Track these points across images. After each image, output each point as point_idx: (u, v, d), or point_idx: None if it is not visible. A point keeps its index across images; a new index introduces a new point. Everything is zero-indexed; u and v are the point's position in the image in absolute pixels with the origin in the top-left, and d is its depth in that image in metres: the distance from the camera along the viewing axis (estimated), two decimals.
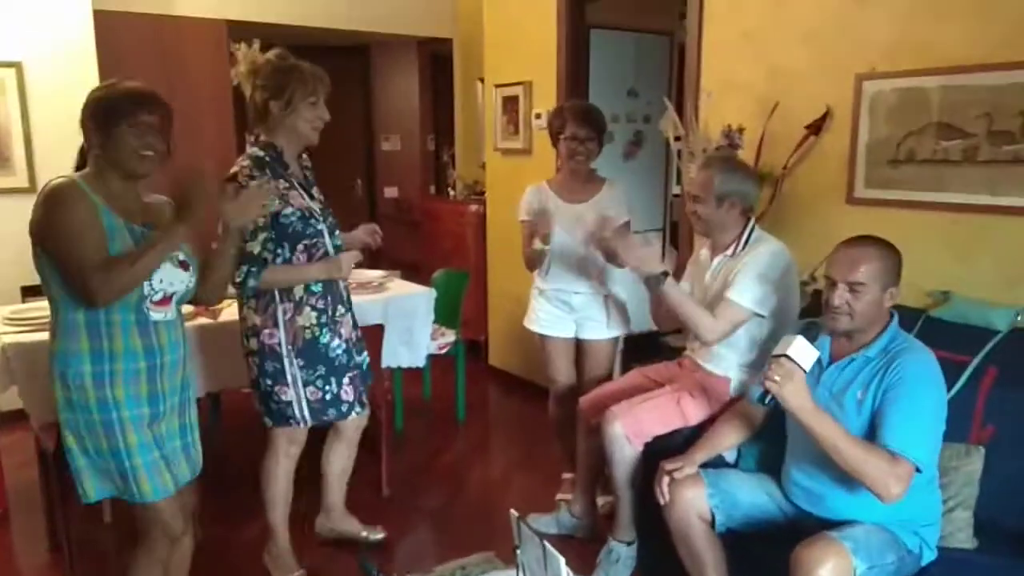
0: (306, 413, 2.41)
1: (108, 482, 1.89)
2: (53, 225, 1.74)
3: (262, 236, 2.28)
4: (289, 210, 2.30)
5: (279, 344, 2.35)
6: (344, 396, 2.44)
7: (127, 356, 1.83)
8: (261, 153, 2.33)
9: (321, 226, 2.39)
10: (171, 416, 1.96)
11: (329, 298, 2.41)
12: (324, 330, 2.39)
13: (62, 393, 1.84)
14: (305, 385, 2.38)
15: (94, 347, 1.81)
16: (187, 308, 2.97)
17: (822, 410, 1.82)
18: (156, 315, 1.87)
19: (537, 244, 2.78)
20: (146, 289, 1.83)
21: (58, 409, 1.86)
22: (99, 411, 1.82)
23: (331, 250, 2.41)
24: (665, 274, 2.33)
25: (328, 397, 2.41)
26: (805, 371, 1.80)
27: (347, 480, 2.80)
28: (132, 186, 1.89)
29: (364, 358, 2.59)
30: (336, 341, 2.42)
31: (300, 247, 2.32)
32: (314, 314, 2.37)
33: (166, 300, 1.89)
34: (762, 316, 2.34)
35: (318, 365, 2.38)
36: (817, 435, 1.78)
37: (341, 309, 2.45)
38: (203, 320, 2.94)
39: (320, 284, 2.38)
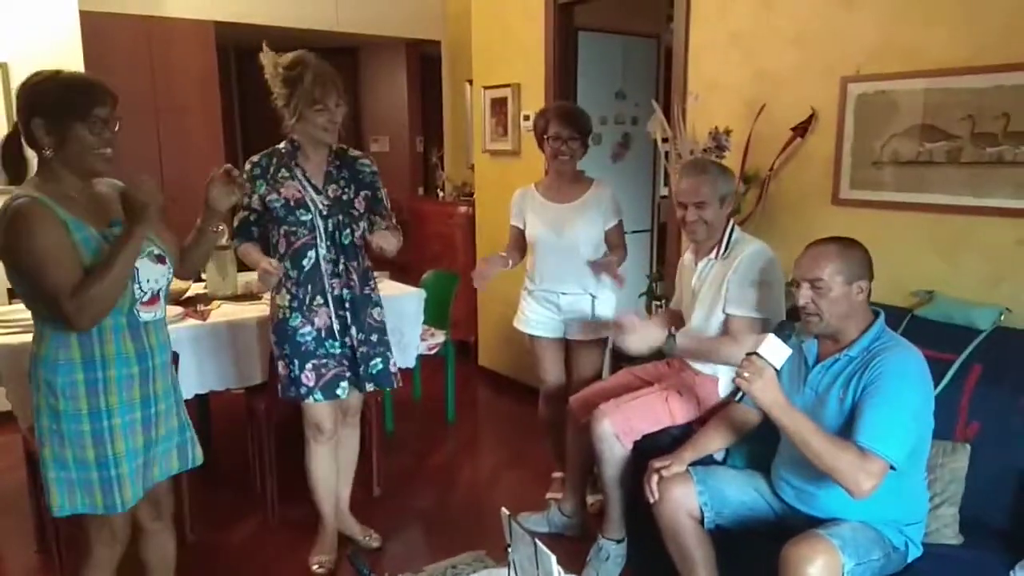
0: (279, 385, 2.56)
1: (81, 496, 1.80)
2: (20, 253, 1.65)
3: (243, 214, 2.51)
4: (275, 196, 2.45)
5: (270, 319, 2.58)
6: (304, 380, 2.51)
7: (119, 361, 1.79)
8: (281, 146, 2.53)
9: (308, 216, 2.45)
10: (167, 417, 1.94)
11: (308, 287, 2.49)
12: (294, 314, 2.49)
13: (47, 401, 1.76)
14: (278, 360, 2.55)
15: (85, 355, 1.75)
16: (177, 310, 2.98)
17: (793, 407, 1.84)
18: (146, 315, 1.85)
19: (496, 262, 2.96)
20: (136, 292, 1.80)
21: (37, 417, 1.78)
22: (91, 420, 1.76)
23: (321, 245, 2.47)
24: (671, 336, 2.39)
25: (292, 375, 2.51)
26: (776, 368, 1.83)
27: (349, 479, 2.85)
28: (87, 184, 1.80)
29: (376, 364, 2.61)
30: (307, 328, 2.50)
31: (282, 231, 2.48)
32: (288, 296, 2.50)
33: (154, 299, 1.87)
34: (761, 318, 2.35)
35: (284, 344, 2.51)
36: (789, 431, 1.82)
37: (320, 300, 2.50)
38: (192, 321, 2.94)
39: (296, 270, 2.48)
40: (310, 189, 2.47)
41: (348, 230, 2.52)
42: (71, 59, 3.95)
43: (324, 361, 2.52)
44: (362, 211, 2.55)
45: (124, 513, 1.86)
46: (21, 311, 2.84)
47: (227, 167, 2.03)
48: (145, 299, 1.84)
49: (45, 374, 1.76)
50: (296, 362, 2.50)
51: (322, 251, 2.47)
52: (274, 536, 2.94)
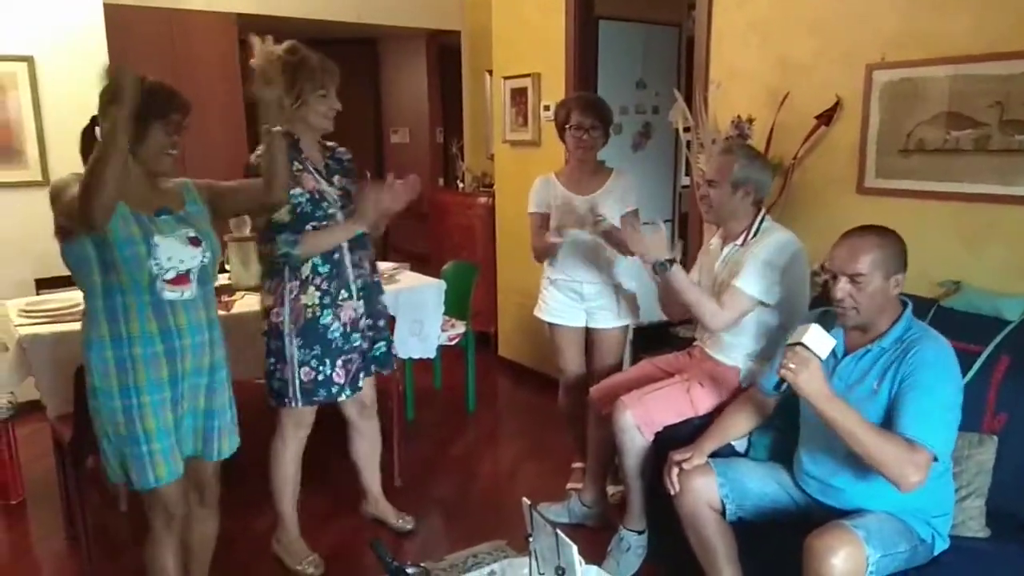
0: (298, 393, 2.47)
1: (118, 468, 1.93)
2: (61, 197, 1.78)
3: (287, 206, 2.35)
4: (298, 191, 2.38)
5: (283, 323, 2.44)
6: (336, 378, 2.49)
7: (144, 340, 1.85)
8: None
9: (333, 210, 2.45)
10: (195, 396, 1.98)
11: (336, 281, 2.47)
12: (325, 311, 2.45)
13: (90, 380, 1.88)
14: (300, 365, 2.45)
15: (113, 332, 1.84)
16: None
17: (838, 397, 1.81)
18: (171, 294, 1.88)
19: (554, 236, 2.82)
20: (154, 268, 1.84)
21: (88, 397, 1.91)
22: (121, 397, 1.85)
23: None
24: (671, 261, 2.34)
25: (320, 378, 2.47)
26: (821, 359, 1.80)
27: (376, 467, 2.89)
28: (148, 178, 1.92)
29: (380, 347, 2.63)
30: (336, 324, 2.47)
31: (309, 227, 2.40)
32: (318, 294, 2.44)
33: (181, 279, 1.89)
34: (767, 305, 2.34)
35: (315, 345, 2.45)
36: (835, 423, 1.77)
37: (344, 294, 2.49)
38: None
39: (327, 265, 2.44)
40: (323, 181, 2.46)
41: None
42: (95, 52, 3.99)
43: (351, 356, 2.52)
44: None
45: (175, 489, 1.96)
46: (50, 301, 2.90)
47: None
48: (168, 276, 1.87)
49: (85, 353, 1.88)
50: (328, 361, 2.46)
51: (344, 243, 2.48)
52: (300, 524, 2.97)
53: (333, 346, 2.47)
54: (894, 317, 1.92)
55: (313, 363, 2.46)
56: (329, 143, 2.59)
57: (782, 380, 1.82)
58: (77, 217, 1.71)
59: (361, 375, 2.58)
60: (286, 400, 2.49)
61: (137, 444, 1.87)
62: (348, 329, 2.51)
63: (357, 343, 2.54)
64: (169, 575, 2.07)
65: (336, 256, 2.47)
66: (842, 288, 1.87)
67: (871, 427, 1.77)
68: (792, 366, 1.79)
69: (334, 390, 2.50)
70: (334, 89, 2.40)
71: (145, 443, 1.87)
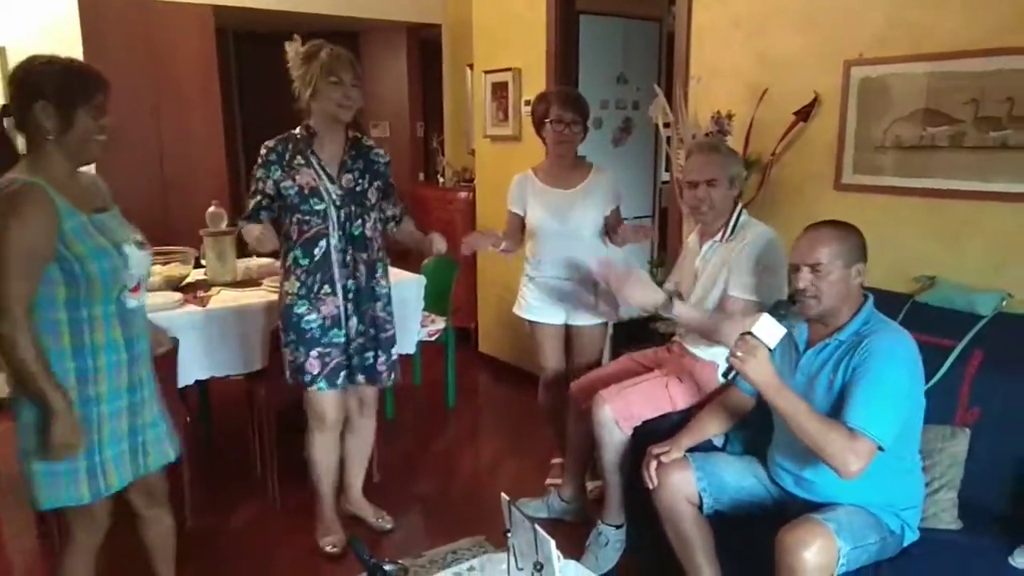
0: (287, 370, 2.57)
1: (67, 487, 1.77)
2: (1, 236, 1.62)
3: (256, 199, 2.47)
4: (289, 183, 2.44)
5: (279, 304, 2.59)
6: (309, 367, 2.52)
7: (109, 349, 1.78)
8: (296, 132, 2.50)
9: (322, 206, 2.45)
10: (151, 403, 1.93)
11: (318, 275, 2.49)
12: (301, 301, 2.49)
13: None
14: (284, 347, 2.56)
15: (75, 344, 1.74)
16: (176, 296, 2.98)
17: (785, 387, 1.84)
18: (132, 302, 1.84)
19: (507, 246, 2.93)
20: (128, 280, 1.79)
21: (17, 411, 1.76)
22: (81, 407, 1.75)
23: (333, 234, 2.47)
24: (670, 298, 2.36)
25: (296, 363, 2.53)
26: (769, 348, 1.83)
27: (363, 465, 2.90)
28: (74, 171, 1.79)
29: (368, 356, 2.60)
30: (312, 315, 2.50)
31: (294, 219, 2.47)
32: (296, 284, 2.50)
33: (137, 286, 1.85)
34: (760, 303, 2.34)
35: (290, 331, 2.52)
36: (781, 411, 1.82)
37: (327, 289, 2.50)
38: (192, 308, 2.93)
39: (307, 258, 2.47)
40: (324, 178, 2.46)
41: (359, 221, 2.52)
42: (70, 43, 3.93)
43: (328, 350, 2.53)
44: (374, 202, 2.57)
45: (106, 504, 1.87)
46: None
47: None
48: (131, 285, 1.82)
49: None
50: (301, 349, 2.51)
51: (333, 241, 2.47)
52: (275, 521, 2.95)
53: (307, 336, 2.51)
54: (855, 310, 1.94)
55: (292, 346, 2.53)
56: (368, 142, 2.60)
57: (731, 367, 1.85)
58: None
59: (343, 374, 2.57)
60: (283, 375, 2.60)
61: (91, 455, 1.77)
62: (328, 324, 2.51)
63: (339, 340, 2.54)
64: None
65: (317, 252, 2.47)
66: (804, 278, 1.90)
67: (816, 416, 1.80)
68: (740, 354, 1.82)
69: (306, 378, 2.54)
70: (349, 78, 2.41)
71: (98, 452, 1.79)
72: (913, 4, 2.52)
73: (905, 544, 1.91)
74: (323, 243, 2.47)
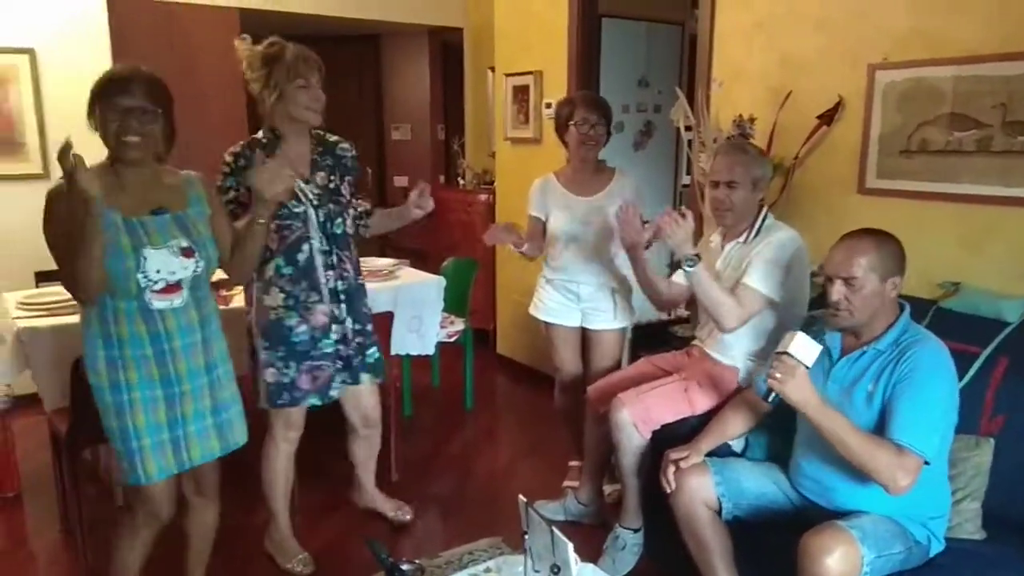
0: (264, 394, 2.45)
1: (116, 464, 1.96)
2: (45, 232, 1.81)
3: (228, 208, 2.28)
4: None
5: (253, 323, 2.45)
6: (300, 383, 2.43)
7: (133, 342, 1.85)
8: (259, 136, 2.42)
9: (301, 208, 2.36)
10: (198, 396, 1.96)
11: (303, 283, 2.40)
12: (290, 312, 2.40)
13: (88, 378, 1.89)
14: (266, 366, 2.43)
15: (104, 332, 1.85)
16: None
17: (828, 404, 1.81)
18: (160, 303, 1.86)
19: (526, 248, 2.87)
20: (142, 281, 1.82)
21: (97, 395, 1.90)
22: (112, 393, 1.86)
23: (315, 236, 2.39)
24: (698, 256, 2.31)
25: (285, 381, 2.42)
26: (807, 367, 1.80)
27: (372, 467, 2.89)
28: (141, 171, 1.88)
29: (372, 353, 2.60)
30: (303, 327, 2.41)
31: (273, 226, 2.31)
32: (281, 295, 2.40)
33: (171, 288, 1.87)
34: (776, 303, 2.33)
35: (279, 346, 2.41)
36: (824, 430, 1.78)
37: (315, 296, 2.41)
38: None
39: (290, 267, 2.39)
40: (298, 179, 2.35)
41: (339, 219, 2.45)
42: (97, 44, 3.99)
43: (319, 363, 2.45)
44: (348, 198, 2.50)
45: (162, 490, 1.95)
46: (49, 294, 2.89)
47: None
48: (157, 288, 1.85)
49: (83, 349, 1.89)
50: (293, 364, 2.41)
51: (315, 243, 2.39)
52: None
53: (299, 349, 2.41)
54: (891, 320, 1.91)
55: (279, 364, 2.42)
56: (332, 137, 2.53)
57: (771, 390, 1.82)
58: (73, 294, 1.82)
59: (337, 383, 2.51)
60: (258, 400, 2.48)
61: (127, 440, 1.87)
62: (318, 334, 2.44)
63: (330, 349, 2.46)
64: (128, 570, 2.06)
65: (301, 257, 2.38)
66: (837, 291, 1.87)
67: (861, 433, 1.77)
68: (779, 375, 1.79)
69: (297, 395, 2.44)
70: (316, 80, 2.33)
71: (135, 439, 1.87)
72: (938, 7, 2.49)
73: (931, 555, 1.88)
74: (306, 247, 2.38)
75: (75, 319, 2.08)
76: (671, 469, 2.11)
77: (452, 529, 2.92)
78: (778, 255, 2.31)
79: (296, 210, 2.35)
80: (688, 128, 3.14)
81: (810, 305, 2.40)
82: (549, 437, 3.62)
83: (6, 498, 3.12)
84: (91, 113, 1.82)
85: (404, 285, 3.37)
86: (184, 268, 1.89)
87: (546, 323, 3.02)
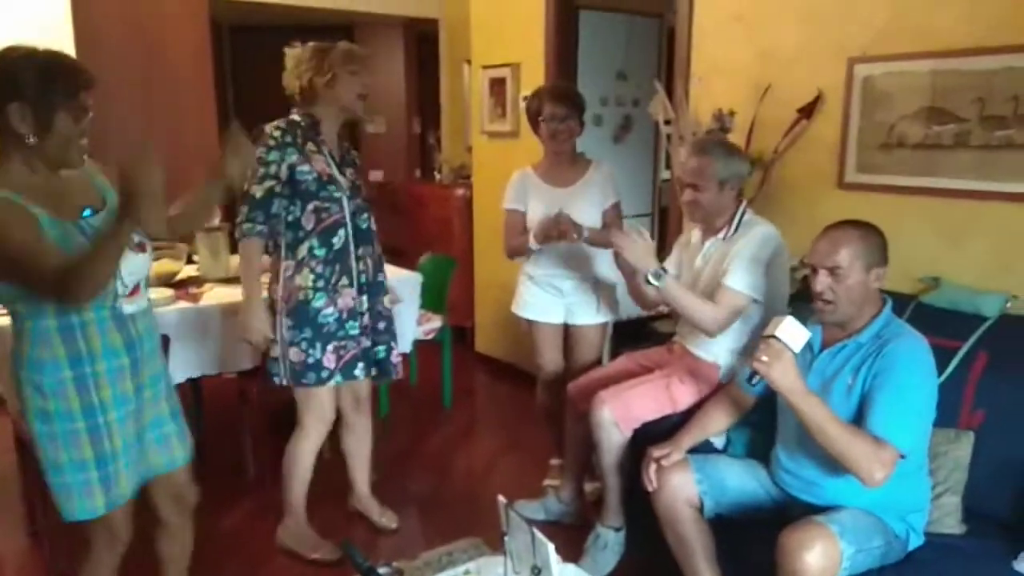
0: (287, 373, 2.47)
1: (79, 500, 1.71)
2: None
3: (268, 183, 2.33)
4: (307, 167, 2.36)
5: (278, 299, 2.45)
6: (326, 363, 2.45)
7: (107, 354, 1.71)
8: (298, 118, 2.42)
9: (340, 195, 2.42)
10: (158, 402, 1.88)
11: (336, 266, 2.43)
12: (319, 294, 2.42)
13: (35, 404, 1.67)
14: (290, 345, 2.43)
15: (71, 352, 1.66)
16: (167, 292, 2.94)
17: (811, 392, 1.80)
18: (130, 307, 1.77)
19: (534, 244, 2.78)
20: (120, 288, 1.73)
21: (29, 422, 1.69)
22: (85, 417, 1.68)
23: (348, 224, 2.45)
24: (664, 269, 2.30)
25: (310, 361, 2.44)
26: (794, 352, 1.79)
27: (365, 463, 2.86)
28: (54, 173, 1.66)
29: (380, 350, 2.60)
30: (330, 308, 2.44)
31: (311, 207, 2.38)
32: (311, 276, 2.41)
33: (136, 289, 1.80)
34: (758, 301, 2.31)
35: (305, 327, 2.42)
36: (805, 417, 1.77)
37: (345, 280, 2.45)
38: (183, 304, 2.90)
39: (324, 248, 2.41)
40: (335, 167, 2.44)
41: (365, 215, 2.51)
42: (60, 36, 3.87)
43: (344, 343, 2.48)
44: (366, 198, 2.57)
45: (123, 512, 1.80)
46: None
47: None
48: (127, 292, 1.76)
49: (31, 375, 1.66)
50: (318, 344, 2.43)
51: (350, 229, 2.45)
52: (268, 522, 2.90)
53: (324, 331, 2.44)
54: (874, 313, 1.91)
55: (303, 345, 2.43)
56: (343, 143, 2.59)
57: (755, 372, 1.81)
58: (54, 294, 1.57)
59: (360, 364, 2.52)
60: (276, 378, 2.48)
61: (104, 465, 1.71)
62: (345, 316, 2.47)
63: (354, 332, 2.50)
64: None
65: (336, 241, 2.43)
66: (821, 281, 1.86)
67: (841, 424, 1.77)
68: (765, 359, 1.77)
69: (324, 374, 2.47)
70: (366, 74, 2.40)
71: (112, 462, 1.73)
72: (917, 1, 2.49)
73: (910, 549, 1.89)
74: (341, 232, 2.43)
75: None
76: (652, 466, 2.10)
77: (431, 529, 2.89)
78: (758, 252, 2.30)
79: (336, 195, 2.41)
80: (667, 122, 3.12)
81: (789, 300, 2.39)
82: (529, 435, 3.60)
83: None
84: (39, 110, 1.57)
85: None
86: (143, 265, 1.81)
87: (529, 321, 2.99)
